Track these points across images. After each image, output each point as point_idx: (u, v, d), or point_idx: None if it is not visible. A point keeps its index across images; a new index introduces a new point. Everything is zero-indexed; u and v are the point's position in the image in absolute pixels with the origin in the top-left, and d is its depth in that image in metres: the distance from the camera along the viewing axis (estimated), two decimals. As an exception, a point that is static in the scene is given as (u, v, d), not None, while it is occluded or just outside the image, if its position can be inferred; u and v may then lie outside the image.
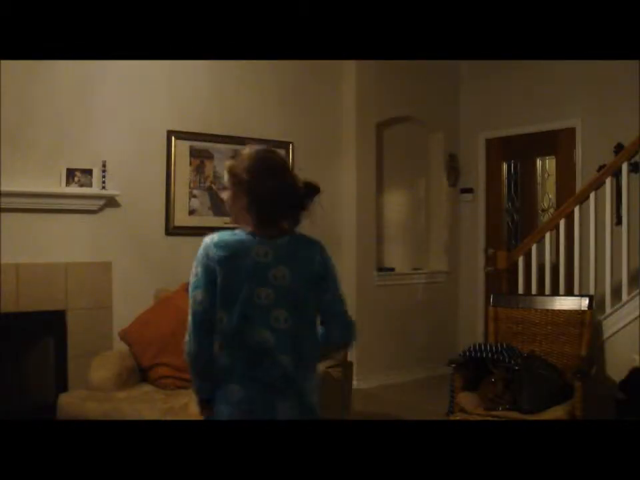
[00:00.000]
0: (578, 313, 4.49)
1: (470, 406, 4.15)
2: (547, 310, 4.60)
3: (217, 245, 2.23)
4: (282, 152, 5.71)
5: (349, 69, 6.12)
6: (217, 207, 5.45)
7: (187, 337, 2.27)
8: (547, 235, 5.05)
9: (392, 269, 6.55)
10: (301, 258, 2.27)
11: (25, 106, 4.60)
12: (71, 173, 4.72)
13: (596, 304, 4.65)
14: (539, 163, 6.66)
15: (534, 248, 5.10)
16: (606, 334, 4.71)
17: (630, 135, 5.05)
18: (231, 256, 2.21)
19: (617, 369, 4.54)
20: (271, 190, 2.22)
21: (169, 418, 3.77)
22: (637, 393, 4.25)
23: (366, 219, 6.24)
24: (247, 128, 5.56)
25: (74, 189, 4.72)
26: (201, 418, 2.38)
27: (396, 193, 6.79)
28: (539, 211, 6.64)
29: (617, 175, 4.91)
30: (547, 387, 4.09)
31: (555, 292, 4.97)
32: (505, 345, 4.31)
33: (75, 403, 4.12)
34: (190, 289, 2.26)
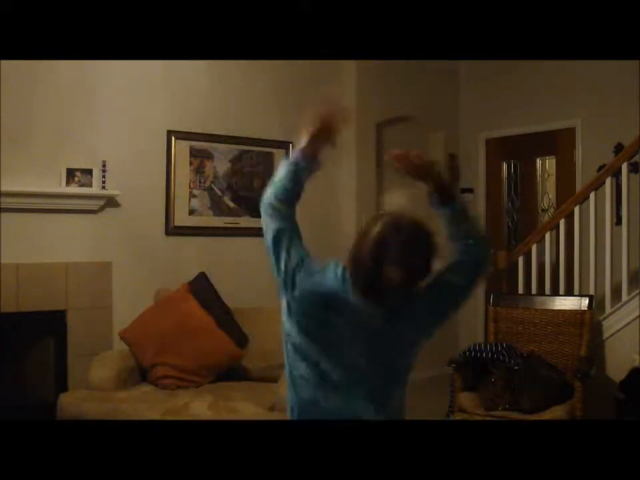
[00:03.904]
0: (578, 313, 4.49)
1: (470, 406, 4.15)
2: (547, 310, 4.60)
3: None
4: (282, 152, 5.73)
5: (348, 69, 6.12)
6: (217, 207, 5.45)
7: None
8: (547, 235, 5.05)
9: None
10: None
11: (25, 106, 4.60)
12: (71, 173, 4.72)
13: (596, 304, 4.65)
14: (538, 162, 6.66)
15: (534, 248, 5.10)
16: (606, 334, 4.71)
17: (630, 134, 5.05)
18: None
19: (617, 369, 4.54)
20: None
21: (168, 418, 3.78)
22: (637, 392, 4.25)
23: (366, 219, 6.22)
24: (247, 128, 5.56)
25: (74, 189, 4.72)
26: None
27: (396, 193, 6.79)
28: (539, 211, 6.64)
29: (616, 175, 4.91)
30: (547, 387, 4.09)
31: (555, 292, 4.97)
32: (504, 345, 4.31)
33: (75, 403, 4.12)
34: None
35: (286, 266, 2.00)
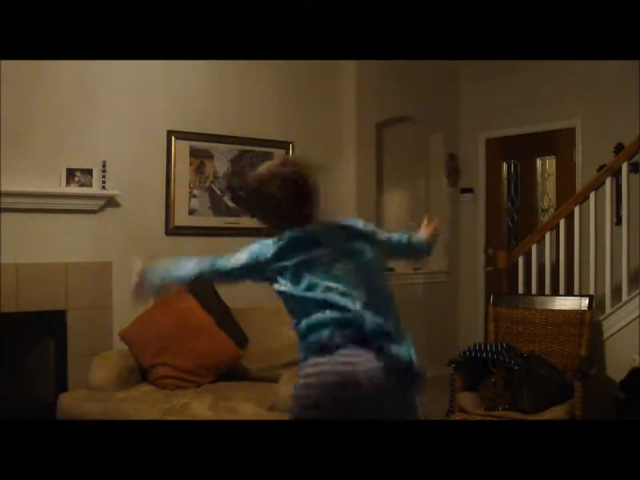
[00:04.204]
0: (578, 313, 4.49)
1: (470, 406, 4.15)
2: (547, 310, 4.60)
3: None
4: (282, 152, 5.73)
5: (348, 69, 6.12)
6: (217, 207, 5.45)
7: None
8: (547, 235, 5.04)
9: (392, 269, 6.54)
10: None
11: (25, 106, 4.59)
12: (71, 173, 4.72)
13: (596, 304, 4.65)
14: (538, 162, 6.65)
15: (534, 248, 5.10)
16: (606, 334, 4.71)
17: (630, 134, 5.05)
18: None
19: (617, 369, 4.54)
20: None
21: (168, 418, 3.78)
22: (637, 392, 4.25)
23: (366, 219, 6.21)
24: (247, 128, 5.56)
25: (74, 189, 4.72)
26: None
27: (396, 193, 6.79)
28: (539, 211, 6.64)
29: (616, 175, 4.91)
30: (547, 387, 4.09)
31: (555, 292, 4.97)
32: (505, 345, 4.31)
33: (75, 403, 4.12)
34: None
35: (251, 259, 2.47)
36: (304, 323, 2.36)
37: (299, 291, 2.36)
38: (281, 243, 2.40)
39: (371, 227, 2.60)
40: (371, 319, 2.31)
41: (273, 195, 2.40)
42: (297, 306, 2.39)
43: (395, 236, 2.69)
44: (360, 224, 2.57)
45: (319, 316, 2.32)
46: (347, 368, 2.24)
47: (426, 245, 2.76)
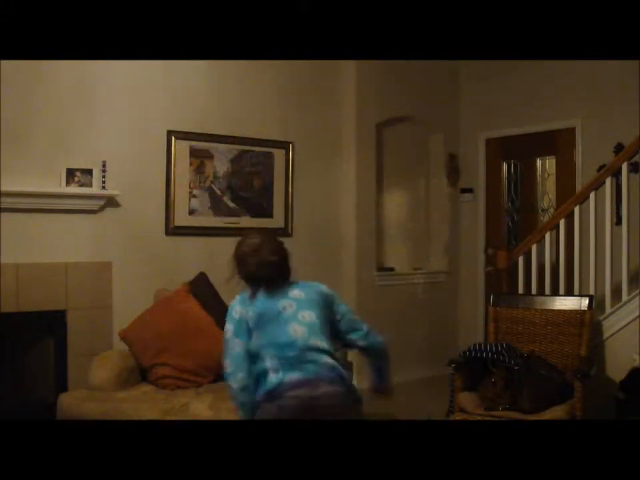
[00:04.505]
0: (578, 313, 4.49)
1: (470, 406, 4.15)
2: (547, 310, 4.60)
3: None
4: (282, 152, 5.74)
5: (348, 69, 6.12)
6: (217, 207, 5.45)
7: None
8: (547, 235, 5.04)
9: (392, 269, 6.55)
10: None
11: (25, 106, 4.60)
12: (71, 173, 4.72)
13: (596, 304, 4.65)
14: (538, 162, 6.66)
15: (534, 248, 5.09)
16: (606, 334, 4.71)
17: (630, 134, 5.05)
18: None
19: (617, 369, 4.54)
20: None
21: (168, 418, 3.78)
22: (637, 392, 4.25)
23: (366, 219, 6.24)
24: (247, 128, 5.56)
25: (74, 189, 4.72)
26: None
27: (396, 193, 6.79)
28: (539, 211, 6.64)
29: (616, 175, 4.91)
30: (547, 387, 4.09)
31: (555, 292, 4.97)
32: (505, 345, 4.31)
33: (75, 403, 4.12)
34: None
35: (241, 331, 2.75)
36: (259, 370, 2.64)
37: (260, 345, 2.68)
38: (254, 308, 2.73)
39: (327, 295, 2.87)
40: (322, 367, 2.64)
41: (263, 261, 2.75)
42: (256, 357, 2.68)
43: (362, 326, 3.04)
44: (321, 288, 2.86)
45: (269, 365, 2.63)
46: (303, 393, 2.51)
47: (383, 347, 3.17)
